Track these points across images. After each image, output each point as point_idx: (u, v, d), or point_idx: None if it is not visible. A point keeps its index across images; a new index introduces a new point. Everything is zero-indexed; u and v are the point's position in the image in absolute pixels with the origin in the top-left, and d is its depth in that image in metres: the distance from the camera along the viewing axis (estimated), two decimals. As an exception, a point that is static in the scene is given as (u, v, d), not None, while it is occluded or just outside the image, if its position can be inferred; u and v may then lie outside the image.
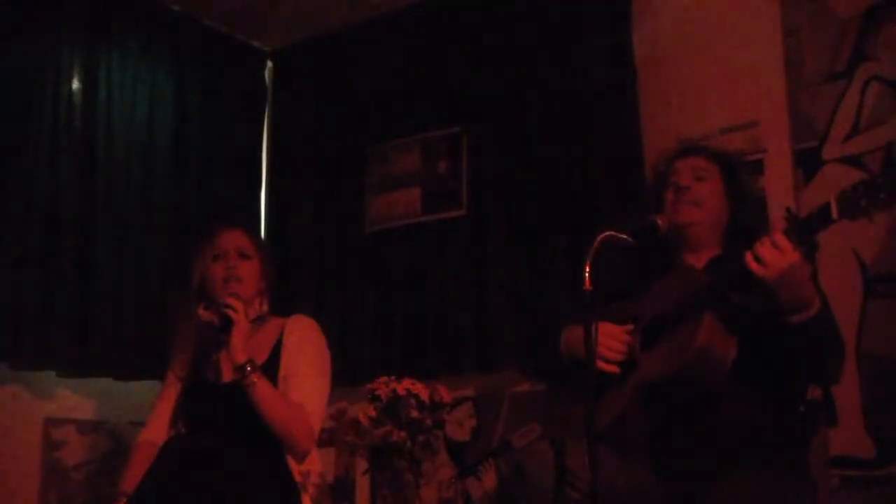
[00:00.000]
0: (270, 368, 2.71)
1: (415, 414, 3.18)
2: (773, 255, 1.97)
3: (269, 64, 4.62)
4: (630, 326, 2.26)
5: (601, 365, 2.18)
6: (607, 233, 2.11)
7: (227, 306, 2.69)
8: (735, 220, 2.37)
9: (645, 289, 2.34)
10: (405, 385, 3.21)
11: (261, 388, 2.60)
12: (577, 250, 2.10)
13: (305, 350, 2.78)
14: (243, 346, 2.65)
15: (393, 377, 3.27)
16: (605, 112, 3.60)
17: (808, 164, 3.24)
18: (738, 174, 2.44)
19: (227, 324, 2.67)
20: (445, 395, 3.27)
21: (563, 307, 3.41)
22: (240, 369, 2.61)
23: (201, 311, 2.76)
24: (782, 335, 2.05)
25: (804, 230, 1.95)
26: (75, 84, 3.75)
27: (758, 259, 1.98)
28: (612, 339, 2.22)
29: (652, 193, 2.47)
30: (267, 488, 2.53)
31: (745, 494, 2.04)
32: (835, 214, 1.87)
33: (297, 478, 2.64)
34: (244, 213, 4.35)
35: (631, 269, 2.39)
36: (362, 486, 3.82)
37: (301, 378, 2.71)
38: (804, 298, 2.02)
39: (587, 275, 1.99)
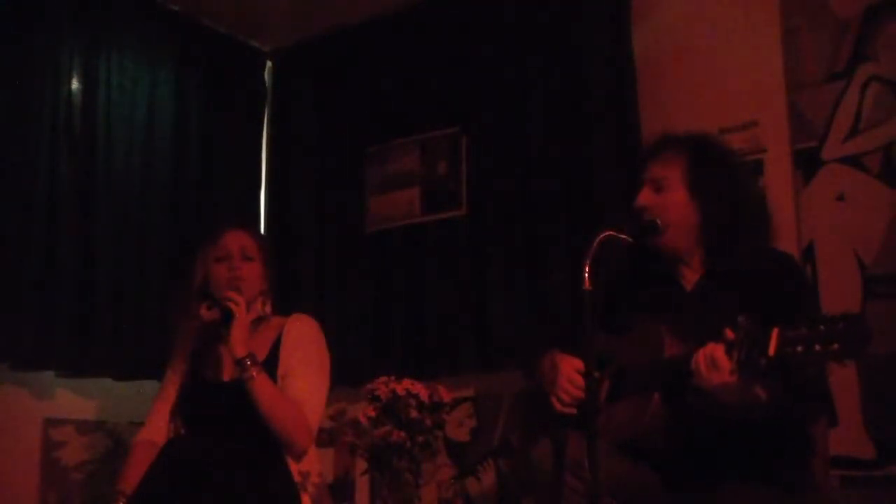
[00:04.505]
0: (270, 366, 2.71)
1: (414, 414, 3.18)
2: (708, 370, 1.91)
3: (269, 64, 4.62)
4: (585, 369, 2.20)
5: (557, 405, 2.22)
6: (607, 233, 2.10)
7: (228, 299, 2.70)
8: (707, 215, 2.24)
9: (638, 292, 2.33)
10: (405, 385, 3.21)
11: (260, 382, 2.60)
12: (577, 250, 2.09)
13: (304, 348, 2.78)
14: (243, 340, 2.65)
15: (392, 377, 3.27)
16: (604, 112, 3.60)
17: (807, 164, 3.24)
18: (707, 157, 2.28)
19: (227, 317, 2.68)
20: (445, 395, 3.27)
21: (562, 307, 3.42)
22: (239, 363, 2.62)
23: (203, 311, 2.76)
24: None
25: (745, 356, 1.84)
26: (75, 84, 3.74)
27: (696, 366, 1.94)
28: (570, 385, 2.21)
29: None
30: (266, 488, 2.53)
31: (747, 499, 2.04)
32: (771, 351, 1.78)
33: (297, 477, 2.64)
34: (244, 212, 4.35)
35: (631, 264, 2.38)
36: (362, 486, 3.81)
37: (300, 376, 2.72)
38: (745, 409, 1.93)
39: (586, 275, 1.99)
